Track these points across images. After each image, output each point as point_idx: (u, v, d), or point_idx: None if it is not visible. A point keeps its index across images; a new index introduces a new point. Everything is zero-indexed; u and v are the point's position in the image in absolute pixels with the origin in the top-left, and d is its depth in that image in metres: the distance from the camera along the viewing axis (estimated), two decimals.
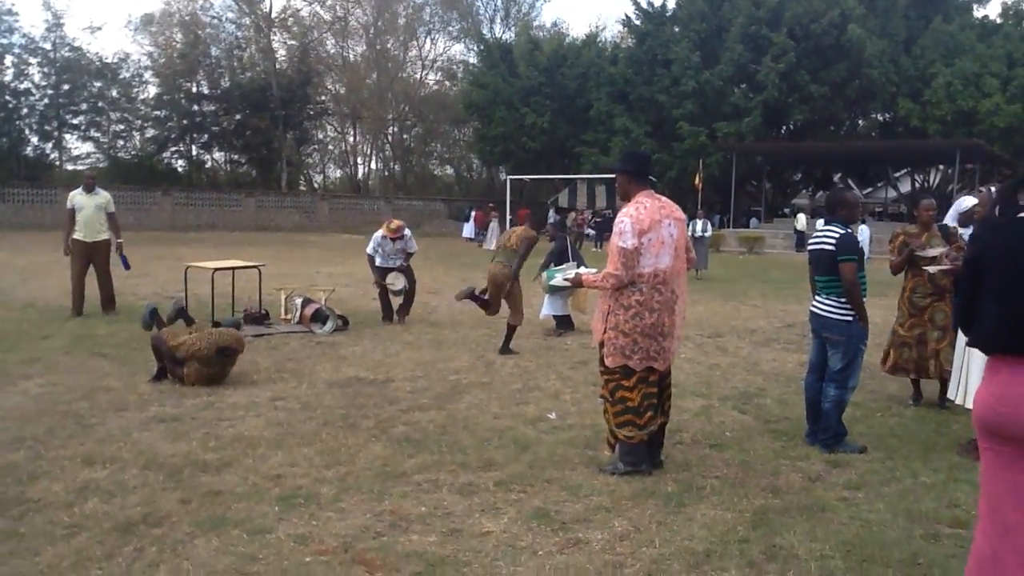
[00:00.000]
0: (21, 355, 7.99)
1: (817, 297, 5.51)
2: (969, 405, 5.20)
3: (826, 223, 5.58)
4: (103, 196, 11.07)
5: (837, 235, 5.30)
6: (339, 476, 4.68)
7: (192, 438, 5.36)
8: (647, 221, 4.62)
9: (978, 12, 40.79)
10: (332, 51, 57.07)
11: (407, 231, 10.93)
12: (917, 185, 44.76)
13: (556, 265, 10.22)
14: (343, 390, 6.87)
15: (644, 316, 4.65)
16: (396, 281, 10.67)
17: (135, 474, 4.65)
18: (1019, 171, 37.41)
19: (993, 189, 5.43)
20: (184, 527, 3.91)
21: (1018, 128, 33.35)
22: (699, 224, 19.71)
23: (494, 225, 30.32)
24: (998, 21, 39.35)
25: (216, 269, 10.38)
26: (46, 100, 44.62)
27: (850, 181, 49.32)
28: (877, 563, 3.67)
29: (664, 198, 4.85)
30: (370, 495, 4.39)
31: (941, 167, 41.38)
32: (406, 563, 3.57)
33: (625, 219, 4.65)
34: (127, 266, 11.19)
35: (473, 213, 37.94)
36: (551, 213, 32.22)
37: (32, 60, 44.20)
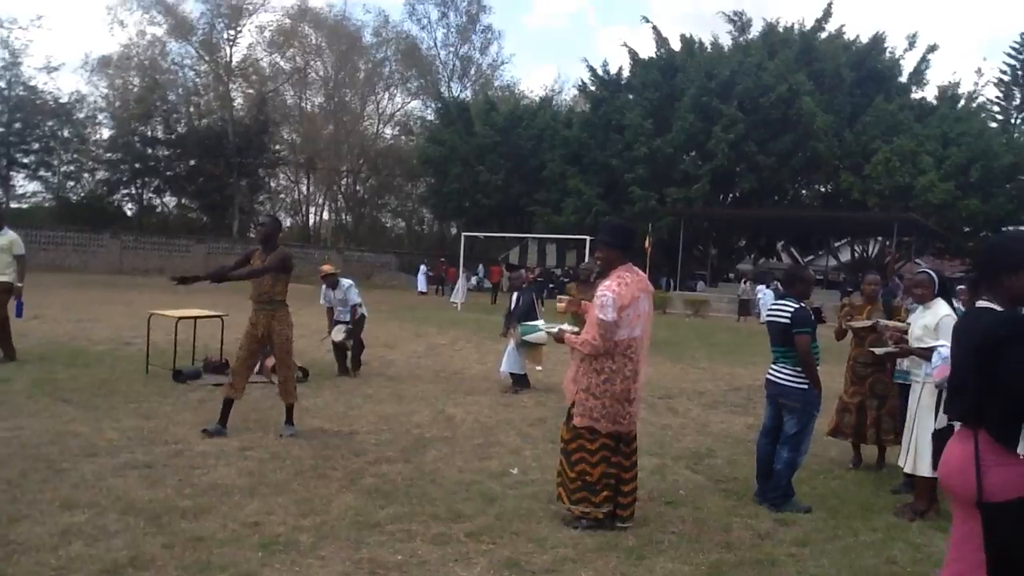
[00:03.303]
0: None
1: (773, 366, 5.91)
2: (921, 473, 5.60)
3: (782, 297, 6.01)
4: (8, 236, 10.37)
5: (792, 309, 5.73)
6: (315, 525, 4.86)
7: (167, 485, 5.50)
8: (628, 297, 4.92)
9: (916, 93, 42.81)
10: (290, 101, 57.48)
11: (346, 282, 10.98)
12: (856, 255, 46.26)
13: (525, 320, 10.52)
14: (309, 441, 7.04)
15: (615, 382, 4.95)
16: (336, 334, 10.84)
17: (115, 519, 4.77)
18: (951, 245, 39.05)
19: (932, 272, 5.92)
20: (171, 571, 4.07)
21: (951, 204, 34.86)
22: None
23: (462, 280, 30.59)
24: (934, 103, 41.34)
25: (180, 318, 10.48)
26: None
27: (792, 249, 50.84)
28: None
29: (639, 271, 5.15)
30: (347, 543, 4.58)
31: (880, 238, 42.90)
32: None
33: (608, 294, 4.91)
34: (20, 314, 10.63)
35: (447, 269, 38.32)
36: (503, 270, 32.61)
37: None
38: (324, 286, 11.02)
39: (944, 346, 5.39)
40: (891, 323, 6.61)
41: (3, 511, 4.79)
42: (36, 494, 5.14)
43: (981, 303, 3.00)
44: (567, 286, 10.44)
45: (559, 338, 5.41)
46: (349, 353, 10.90)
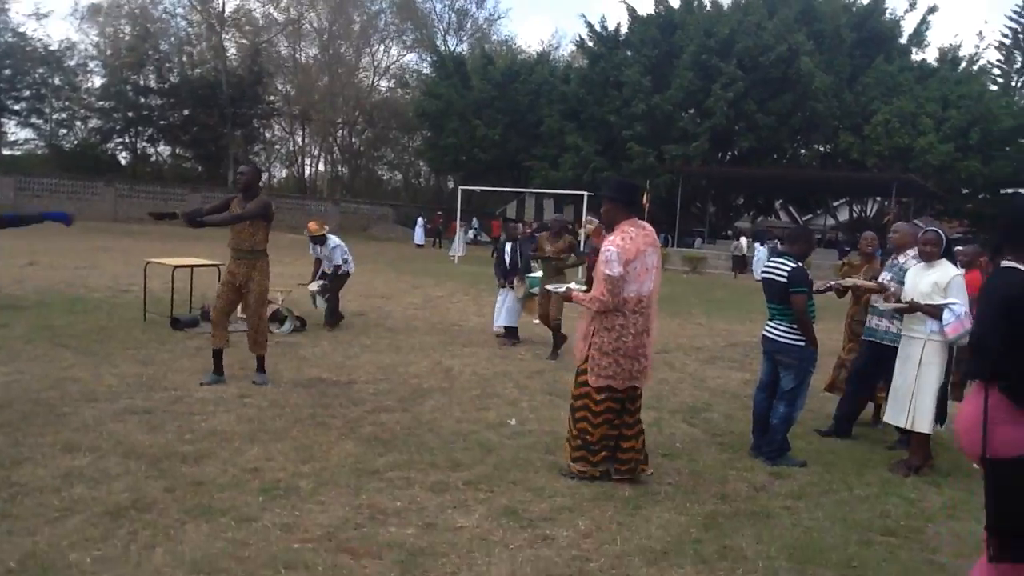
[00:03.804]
0: None
1: (770, 322, 5.91)
2: (920, 429, 5.64)
3: (780, 255, 5.98)
4: None
5: (789, 268, 5.72)
6: (315, 471, 4.90)
7: (167, 430, 5.52)
8: (632, 250, 4.86)
9: (917, 55, 42.49)
10: (284, 52, 56.83)
11: (333, 241, 10.86)
12: (855, 215, 46.26)
13: (526, 273, 10.54)
14: (308, 390, 7.07)
15: (627, 338, 4.90)
16: (312, 286, 10.89)
17: (116, 462, 4.80)
18: (950, 206, 39.06)
19: (941, 231, 5.90)
20: (173, 513, 4.10)
21: (950, 166, 34.80)
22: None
23: (460, 233, 30.55)
24: (935, 65, 41.03)
25: (176, 267, 10.45)
26: None
27: (790, 208, 50.79)
28: (817, 565, 4.04)
29: (647, 225, 5.09)
30: (347, 490, 4.62)
31: (878, 199, 42.87)
32: (388, 552, 3.82)
33: (612, 248, 4.86)
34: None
35: (449, 223, 38.06)
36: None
37: None
38: (310, 238, 10.97)
39: (956, 303, 5.42)
40: (862, 282, 6.57)
41: (6, 454, 4.81)
42: (38, 437, 5.16)
43: (1006, 263, 3.02)
44: (538, 237, 10.42)
45: (567, 296, 5.33)
46: (325, 306, 10.83)
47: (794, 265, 5.74)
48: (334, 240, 10.89)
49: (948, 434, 6.31)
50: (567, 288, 5.41)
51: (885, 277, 6.54)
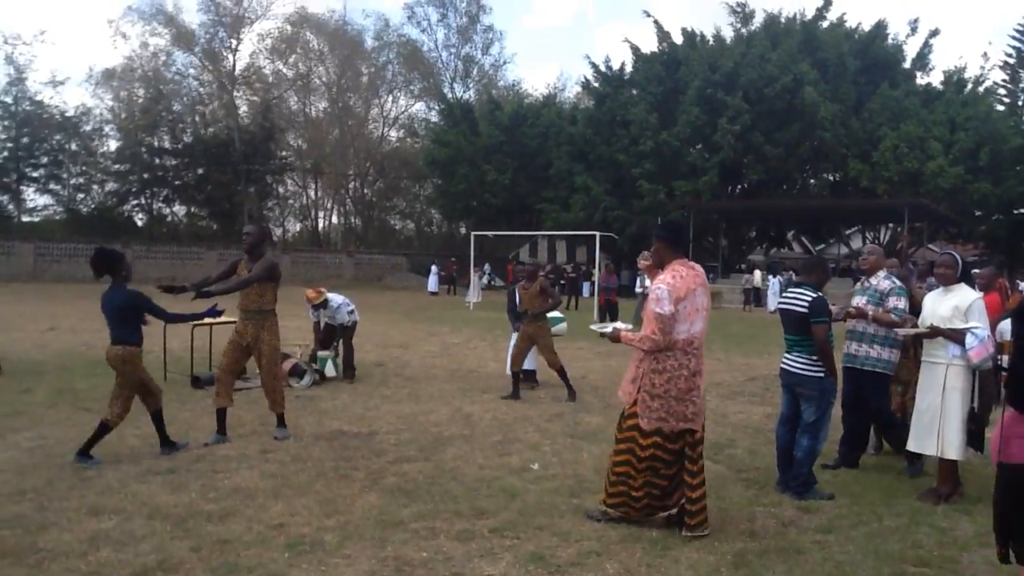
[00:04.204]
0: (5, 408, 8.07)
1: (788, 355, 5.89)
2: (949, 456, 5.58)
3: (797, 285, 5.96)
4: None
5: (809, 298, 5.70)
6: (339, 524, 4.89)
7: (191, 489, 5.53)
8: (683, 289, 4.80)
9: (922, 79, 42.60)
10: (295, 107, 57.69)
11: (336, 301, 10.76)
12: (868, 242, 46.08)
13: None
14: (329, 443, 7.07)
15: (678, 381, 4.81)
16: (322, 353, 10.78)
17: (142, 523, 4.81)
18: (963, 229, 38.89)
19: (956, 255, 5.90)
20: (199, 573, 4.11)
21: (961, 189, 34.70)
22: (648, 279, 18.87)
23: (475, 279, 30.63)
24: (940, 88, 41.13)
25: (195, 325, 10.50)
26: (5, 153, 44.39)
27: (803, 238, 50.71)
28: None
29: (696, 265, 5.04)
30: (372, 542, 4.61)
31: (891, 225, 42.74)
32: None
33: (662, 286, 4.81)
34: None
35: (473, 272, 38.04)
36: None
37: None
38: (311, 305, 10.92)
39: (979, 328, 5.39)
40: (880, 314, 6.47)
41: (32, 519, 4.83)
42: (63, 501, 5.18)
43: None
44: (518, 285, 10.29)
45: (615, 337, 5.13)
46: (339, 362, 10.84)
47: (814, 295, 5.73)
48: (336, 299, 10.80)
49: (979, 459, 6.26)
50: (614, 328, 5.23)
51: (860, 301, 6.51)
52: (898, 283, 6.52)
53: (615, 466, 5.01)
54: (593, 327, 5.73)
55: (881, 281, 6.47)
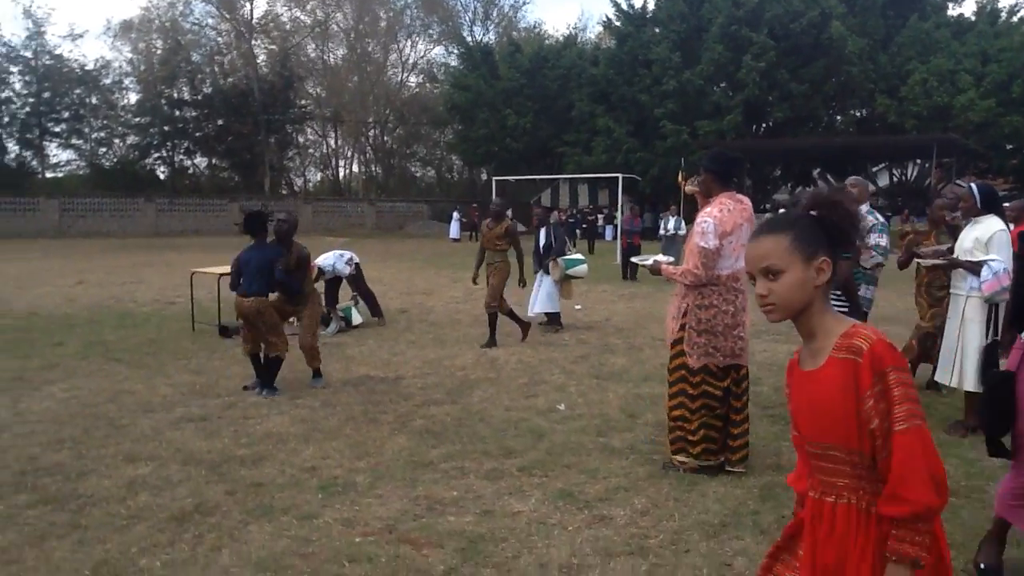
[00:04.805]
0: (39, 361, 8.22)
1: None
2: (966, 387, 5.57)
3: None
4: None
5: None
6: (370, 466, 4.96)
7: (223, 435, 5.63)
8: (729, 223, 4.66)
9: (953, 11, 41.52)
10: (313, 55, 57.30)
11: (327, 262, 10.59)
12: (895, 179, 45.44)
13: (560, 256, 10.56)
14: (357, 388, 7.15)
15: (725, 316, 4.71)
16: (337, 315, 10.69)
17: (177, 469, 4.92)
18: (994, 164, 38.18)
19: (973, 185, 5.80)
20: (236, 515, 4.19)
21: (992, 123, 34.01)
22: (672, 221, 18.61)
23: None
24: (972, 19, 40.09)
25: (221, 275, 10.60)
26: (27, 108, 44.59)
27: (829, 176, 49.95)
28: None
29: (744, 199, 4.88)
30: (403, 482, 4.68)
31: (918, 161, 42.05)
32: (448, 541, 3.87)
33: (708, 220, 4.67)
34: None
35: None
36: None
37: (13, 68, 44.22)
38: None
39: (996, 260, 5.32)
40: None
41: (71, 467, 4.95)
42: (100, 449, 5.30)
43: None
44: (483, 224, 10.17)
45: (655, 270, 4.99)
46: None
47: None
48: (326, 261, 10.63)
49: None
50: (655, 260, 5.07)
51: None
52: (880, 219, 6.34)
53: (671, 411, 4.90)
54: (634, 259, 5.69)
55: (864, 217, 6.30)
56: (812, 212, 1.92)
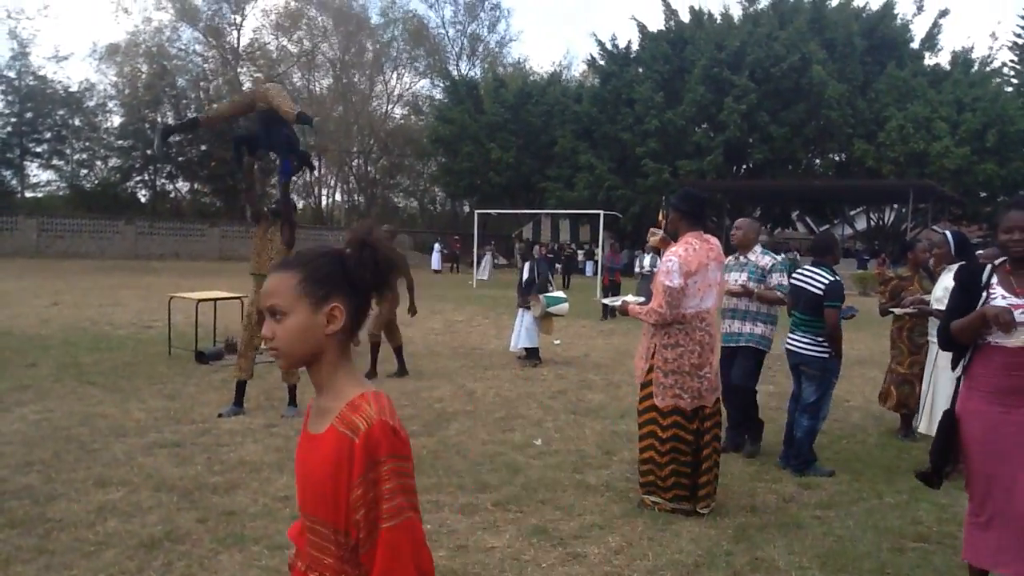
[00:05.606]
0: (10, 383, 8.11)
1: (792, 335, 5.88)
2: (934, 432, 5.61)
3: (814, 264, 5.90)
4: None
5: (827, 281, 5.65)
6: None
7: (196, 462, 5.58)
8: (694, 263, 4.69)
9: (929, 60, 42.43)
10: (298, 84, 57.34)
11: None
12: (872, 223, 46.01)
13: (542, 292, 10.58)
14: None
15: (692, 356, 4.72)
16: None
17: (148, 495, 4.86)
18: (968, 210, 38.82)
19: (948, 232, 5.90)
20: (206, 544, 4.15)
21: (967, 170, 34.64)
22: (647, 259, 17.40)
23: (488, 258, 30.59)
24: (948, 68, 40.94)
25: (200, 300, 10.56)
26: (9, 128, 44.29)
27: (807, 219, 50.57)
28: (850, 573, 4.03)
29: (712, 239, 4.92)
30: None
31: (895, 206, 42.64)
32: None
33: (673, 259, 4.70)
34: None
35: (483, 250, 37.64)
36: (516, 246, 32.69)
37: None
38: None
39: None
40: (765, 291, 6.20)
41: (39, 491, 4.88)
42: (70, 473, 5.23)
43: None
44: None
45: (623, 309, 5.06)
46: None
47: (832, 278, 5.65)
48: None
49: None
50: (623, 301, 5.14)
51: (740, 278, 6.21)
52: (778, 258, 6.35)
53: (641, 452, 4.92)
54: (604, 300, 5.73)
55: (760, 257, 6.24)
56: (346, 250, 1.70)
